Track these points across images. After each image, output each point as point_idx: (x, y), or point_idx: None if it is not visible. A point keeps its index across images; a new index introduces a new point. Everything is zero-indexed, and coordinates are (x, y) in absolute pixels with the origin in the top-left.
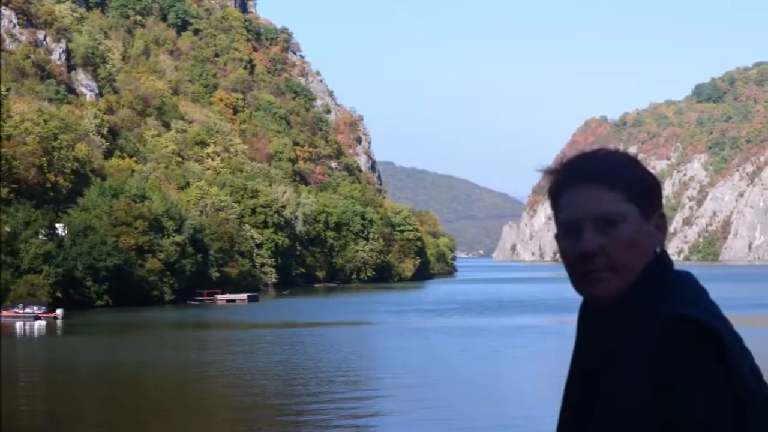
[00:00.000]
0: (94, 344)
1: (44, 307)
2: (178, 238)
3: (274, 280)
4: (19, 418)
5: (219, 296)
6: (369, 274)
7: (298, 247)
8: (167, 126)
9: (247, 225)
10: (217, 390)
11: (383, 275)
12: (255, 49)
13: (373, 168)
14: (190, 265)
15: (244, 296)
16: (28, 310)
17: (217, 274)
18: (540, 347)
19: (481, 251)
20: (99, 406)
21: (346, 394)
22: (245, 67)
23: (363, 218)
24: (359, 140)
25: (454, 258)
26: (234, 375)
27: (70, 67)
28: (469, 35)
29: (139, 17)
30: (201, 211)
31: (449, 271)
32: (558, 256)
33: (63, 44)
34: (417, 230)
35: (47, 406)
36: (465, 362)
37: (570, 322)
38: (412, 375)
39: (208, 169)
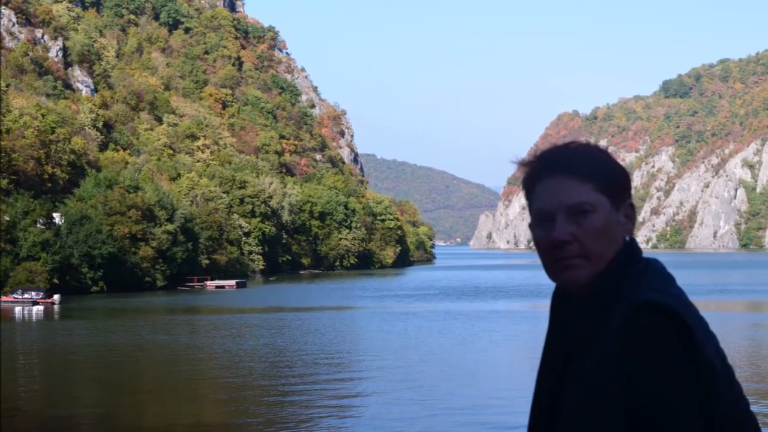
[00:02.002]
0: (90, 328)
1: (42, 293)
2: (170, 227)
3: (261, 267)
4: (18, 398)
5: (208, 282)
6: (352, 262)
7: (284, 236)
8: (159, 120)
9: (235, 214)
10: (206, 371)
11: (365, 262)
12: (243, 47)
13: (355, 160)
14: (181, 253)
15: (232, 282)
16: (26, 295)
17: (207, 262)
18: (515, 330)
19: (458, 239)
20: (94, 387)
21: (330, 375)
22: (234, 64)
23: (346, 208)
24: (342, 133)
25: (432, 246)
26: (223, 357)
27: (67, 64)
28: (447, 33)
29: (132, 16)
30: (191, 201)
31: (428, 259)
32: (532, 244)
33: (60, 42)
34: (397, 219)
35: (45, 387)
36: (443, 345)
37: (543, 306)
38: (392, 357)
39: (198, 161)
